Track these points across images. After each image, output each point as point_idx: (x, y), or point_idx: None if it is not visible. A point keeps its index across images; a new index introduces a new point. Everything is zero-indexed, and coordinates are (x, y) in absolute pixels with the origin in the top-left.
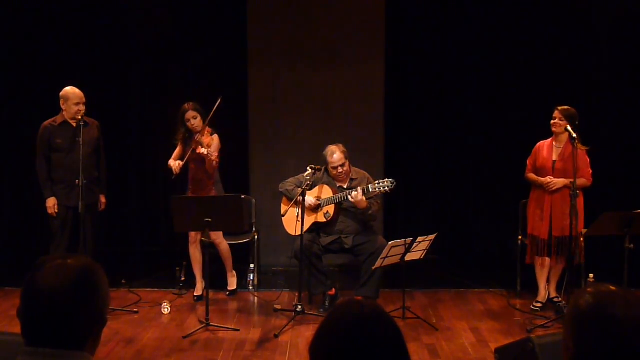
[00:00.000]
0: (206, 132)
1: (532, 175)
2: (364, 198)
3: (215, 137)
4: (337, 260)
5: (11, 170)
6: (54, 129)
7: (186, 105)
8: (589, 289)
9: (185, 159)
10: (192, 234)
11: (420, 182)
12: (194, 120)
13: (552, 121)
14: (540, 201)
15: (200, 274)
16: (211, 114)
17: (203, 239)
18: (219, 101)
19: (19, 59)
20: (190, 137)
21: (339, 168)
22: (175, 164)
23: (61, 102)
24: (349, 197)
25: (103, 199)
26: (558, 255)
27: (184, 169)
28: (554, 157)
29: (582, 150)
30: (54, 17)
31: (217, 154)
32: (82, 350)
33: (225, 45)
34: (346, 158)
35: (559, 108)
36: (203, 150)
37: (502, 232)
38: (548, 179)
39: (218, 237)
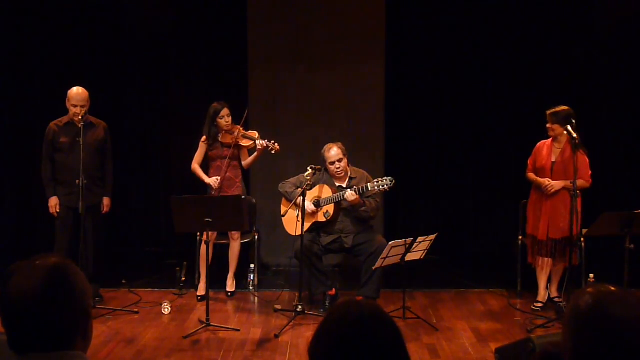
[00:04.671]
0: (241, 129)
1: (531, 175)
2: (358, 197)
3: (255, 132)
4: (338, 260)
5: (13, 171)
6: (59, 128)
7: (218, 104)
8: (588, 289)
9: (219, 178)
10: (206, 232)
11: (421, 182)
12: (228, 118)
13: (547, 125)
14: (539, 202)
15: (206, 274)
16: (242, 122)
17: (207, 240)
18: (246, 112)
19: (21, 60)
20: (217, 137)
21: (337, 163)
22: (213, 180)
23: (66, 101)
24: (345, 196)
25: (107, 202)
26: (557, 256)
27: (205, 168)
28: (553, 158)
29: (582, 151)
30: (53, 20)
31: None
32: (72, 349)
33: (225, 45)
34: (344, 155)
35: (548, 113)
36: (263, 142)
37: (502, 232)
38: (546, 181)
39: (235, 232)
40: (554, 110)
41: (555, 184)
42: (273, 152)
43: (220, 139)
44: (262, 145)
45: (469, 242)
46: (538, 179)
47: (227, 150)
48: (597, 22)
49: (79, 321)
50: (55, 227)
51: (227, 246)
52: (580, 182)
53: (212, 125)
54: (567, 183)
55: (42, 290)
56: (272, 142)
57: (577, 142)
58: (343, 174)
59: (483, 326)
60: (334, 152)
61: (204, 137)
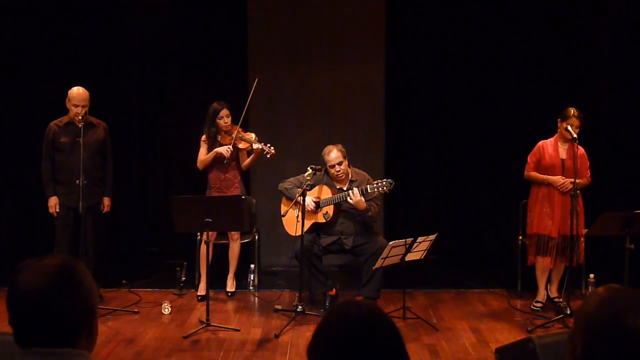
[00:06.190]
0: (239, 130)
1: (536, 174)
2: (363, 199)
3: (252, 133)
4: (338, 260)
5: (12, 171)
6: (59, 129)
7: (217, 104)
8: (603, 294)
9: (231, 146)
10: (206, 232)
11: (420, 182)
12: (227, 118)
13: (571, 127)
14: (550, 199)
15: (206, 274)
16: (251, 94)
17: (207, 240)
18: (256, 80)
19: (21, 59)
20: (216, 137)
21: (337, 166)
22: (225, 149)
23: (66, 101)
24: (348, 198)
25: (107, 202)
26: (561, 254)
27: (206, 169)
28: (562, 156)
29: (583, 150)
30: (53, 19)
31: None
32: (76, 347)
33: (225, 45)
34: (344, 157)
35: (577, 114)
36: (259, 146)
37: (502, 232)
38: (561, 178)
39: (236, 233)
40: (579, 112)
41: (568, 181)
42: (268, 155)
43: (219, 140)
44: (258, 148)
45: (469, 242)
46: (549, 177)
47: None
48: (597, 21)
49: (84, 320)
50: (55, 227)
51: (227, 246)
52: (584, 180)
53: (212, 125)
54: (583, 181)
55: (49, 288)
56: (269, 145)
57: (577, 141)
58: (344, 177)
59: (483, 326)
60: (333, 154)
61: (204, 137)
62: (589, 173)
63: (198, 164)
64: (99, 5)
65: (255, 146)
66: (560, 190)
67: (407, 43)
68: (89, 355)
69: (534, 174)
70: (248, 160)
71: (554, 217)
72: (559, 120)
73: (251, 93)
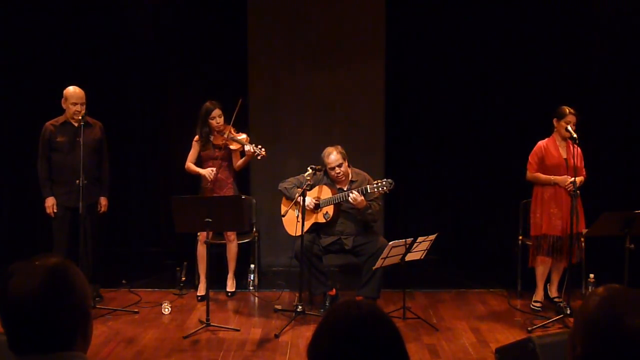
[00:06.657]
0: (232, 131)
1: (540, 175)
2: (363, 198)
3: (244, 134)
4: (338, 260)
5: (11, 171)
6: (56, 128)
7: (210, 104)
8: (603, 293)
9: (215, 169)
10: (203, 233)
11: (420, 182)
12: (219, 118)
13: (569, 125)
14: (557, 200)
15: (205, 274)
16: (234, 114)
17: (207, 240)
18: (239, 102)
19: (21, 59)
20: (209, 137)
21: (337, 169)
22: (208, 171)
23: (62, 101)
24: (349, 198)
25: (104, 201)
26: (564, 253)
27: (199, 167)
28: (564, 155)
29: (579, 148)
30: (54, 18)
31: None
32: (72, 349)
33: (225, 45)
34: (344, 159)
35: (572, 112)
36: (250, 148)
37: (503, 232)
38: (568, 178)
39: (232, 233)
40: (574, 110)
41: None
42: (259, 157)
43: (211, 140)
44: (249, 151)
45: (469, 242)
46: (556, 177)
47: (218, 151)
48: (596, 21)
49: (79, 322)
50: (53, 227)
51: (226, 246)
52: (582, 179)
53: (204, 125)
54: (581, 179)
55: (41, 290)
56: (259, 147)
57: (577, 141)
58: (344, 178)
59: (483, 326)
60: (333, 157)
61: (196, 137)
62: (584, 170)
63: (185, 167)
64: (99, 5)
65: (246, 148)
66: (567, 189)
67: (407, 43)
68: (84, 356)
69: (538, 174)
70: (240, 162)
71: (562, 217)
72: (554, 119)
73: (235, 113)
